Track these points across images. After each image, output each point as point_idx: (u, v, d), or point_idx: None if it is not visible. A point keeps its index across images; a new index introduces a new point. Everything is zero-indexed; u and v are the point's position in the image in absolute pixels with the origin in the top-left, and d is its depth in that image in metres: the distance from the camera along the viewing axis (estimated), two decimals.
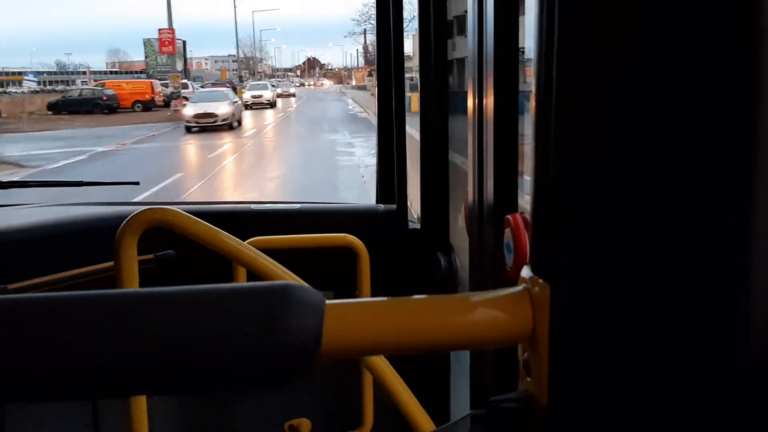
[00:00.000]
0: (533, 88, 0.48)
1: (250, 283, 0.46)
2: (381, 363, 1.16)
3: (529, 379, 0.50)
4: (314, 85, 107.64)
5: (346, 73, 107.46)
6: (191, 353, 0.42)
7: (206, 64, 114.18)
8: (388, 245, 2.11)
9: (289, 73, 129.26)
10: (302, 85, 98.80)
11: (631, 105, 0.43)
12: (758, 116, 0.39)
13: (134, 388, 0.45)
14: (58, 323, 0.42)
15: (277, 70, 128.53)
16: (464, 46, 1.32)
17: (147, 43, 58.03)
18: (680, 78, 0.41)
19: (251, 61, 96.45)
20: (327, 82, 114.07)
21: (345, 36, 74.74)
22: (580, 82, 0.45)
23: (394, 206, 2.21)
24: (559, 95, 0.45)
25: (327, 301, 0.46)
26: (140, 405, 1.42)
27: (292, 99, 51.61)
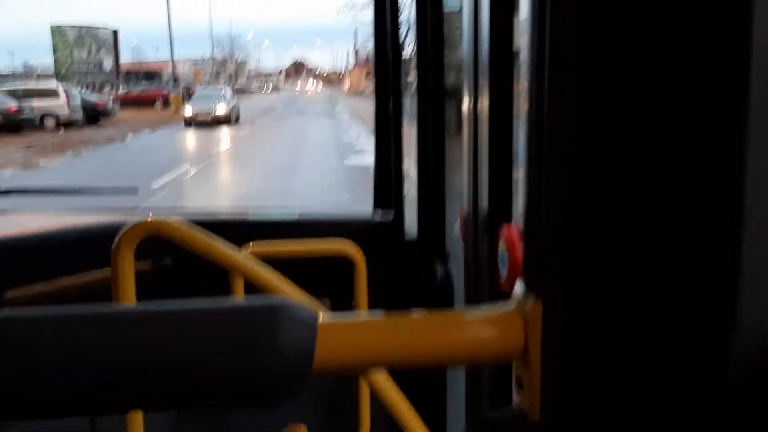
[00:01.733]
0: (526, 99, 0.49)
1: (243, 302, 0.47)
2: (378, 374, 1.20)
3: (521, 395, 0.52)
4: (299, 89, 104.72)
5: (336, 75, 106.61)
6: (182, 372, 0.43)
7: (183, 66, 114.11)
8: (385, 252, 2.20)
9: (270, 77, 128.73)
10: (274, 89, 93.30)
11: (626, 116, 0.44)
12: (747, 133, 0.40)
13: (124, 405, 0.47)
14: (50, 341, 0.43)
15: (260, 73, 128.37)
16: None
17: (56, 31, 39.60)
18: (676, 84, 0.42)
19: (227, 62, 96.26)
20: (312, 86, 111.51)
21: (338, 12, 73.41)
22: (573, 93, 0.45)
23: (392, 213, 2.29)
24: (551, 105, 0.46)
25: (320, 320, 0.47)
26: (136, 412, 1.47)
27: (223, 133, 23.78)
